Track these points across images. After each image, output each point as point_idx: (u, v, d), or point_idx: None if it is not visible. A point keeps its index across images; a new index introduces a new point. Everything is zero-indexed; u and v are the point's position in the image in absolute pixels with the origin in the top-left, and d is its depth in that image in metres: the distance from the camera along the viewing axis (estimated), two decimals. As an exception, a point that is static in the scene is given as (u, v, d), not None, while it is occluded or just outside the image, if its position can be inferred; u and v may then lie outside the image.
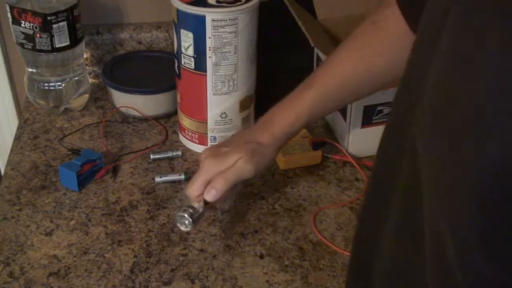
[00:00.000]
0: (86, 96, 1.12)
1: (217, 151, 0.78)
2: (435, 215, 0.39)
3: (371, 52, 0.76)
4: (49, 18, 0.99)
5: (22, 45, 1.02)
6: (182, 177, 0.94)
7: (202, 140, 1.00)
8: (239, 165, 0.75)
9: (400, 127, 0.47)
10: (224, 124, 0.98)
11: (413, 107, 0.43)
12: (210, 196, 0.74)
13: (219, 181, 0.74)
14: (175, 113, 1.08)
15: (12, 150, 1.01)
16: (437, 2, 0.42)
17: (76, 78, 1.09)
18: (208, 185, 0.75)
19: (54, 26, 1.00)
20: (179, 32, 0.92)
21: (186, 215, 0.74)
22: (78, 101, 1.10)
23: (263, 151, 0.78)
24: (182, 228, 0.75)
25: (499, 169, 0.32)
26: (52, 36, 1.01)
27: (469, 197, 0.34)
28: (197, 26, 0.89)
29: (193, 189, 0.76)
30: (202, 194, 0.75)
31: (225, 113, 0.97)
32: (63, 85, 1.07)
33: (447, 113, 0.37)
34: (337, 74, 0.78)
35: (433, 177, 0.39)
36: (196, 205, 0.75)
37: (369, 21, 0.76)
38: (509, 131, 0.32)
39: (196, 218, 0.75)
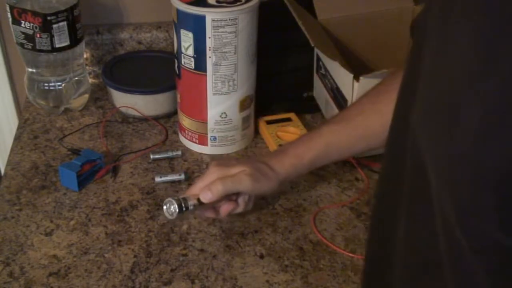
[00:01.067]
0: (86, 96, 1.12)
1: (225, 161, 0.81)
2: (441, 194, 0.40)
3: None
4: (49, 18, 0.99)
5: (22, 45, 1.02)
6: (182, 177, 0.94)
7: (202, 140, 1.00)
8: (240, 176, 0.77)
9: (402, 119, 0.48)
10: (224, 124, 0.98)
11: (412, 100, 0.44)
12: (204, 196, 0.76)
13: (216, 185, 0.76)
14: (175, 113, 1.08)
15: (12, 150, 1.01)
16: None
17: (76, 78, 1.09)
18: (206, 187, 0.77)
19: (54, 26, 1.00)
20: (179, 32, 0.92)
21: (174, 202, 0.75)
22: (78, 101, 1.10)
23: (268, 173, 0.80)
24: (166, 214, 0.76)
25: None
26: (52, 36, 1.01)
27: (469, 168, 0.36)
28: (197, 26, 0.89)
29: (191, 188, 0.79)
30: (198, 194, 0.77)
31: (225, 113, 0.97)
32: (63, 85, 1.07)
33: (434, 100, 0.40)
34: (358, 124, 0.81)
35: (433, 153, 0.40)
36: (190, 201, 0.76)
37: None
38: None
39: (182, 210, 0.75)
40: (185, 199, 0.76)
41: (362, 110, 0.82)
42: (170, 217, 0.76)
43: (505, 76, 0.33)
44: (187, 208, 0.76)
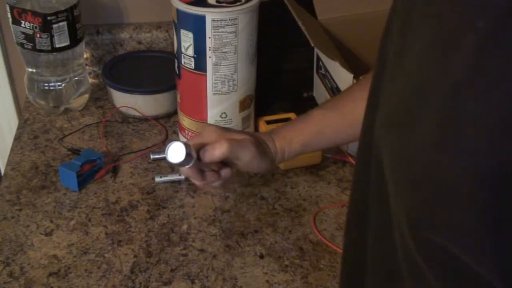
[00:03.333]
0: (86, 96, 1.12)
1: (222, 127, 0.76)
2: (395, 195, 0.41)
3: None
4: (49, 18, 0.99)
5: (22, 45, 1.02)
6: (182, 177, 0.94)
7: (202, 140, 1.00)
8: (246, 142, 0.73)
9: (368, 128, 0.48)
10: (224, 124, 0.98)
11: (376, 108, 0.45)
12: (208, 154, 0.71)
13: (222, 145, 0.71)
14: (175, 113, 1.08)
15: (12, 150, 1.01)
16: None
17: (76, 78, 1.09)
18: (210, 145, 0.72)
19: (54, 26, 1.00)
20: (179, 32, 0.92)
21: (184, 148, 0.68)
22: (78, 101, 1.10)
23: (265, 147, 0.77)
24: (170, 158, 0.69)
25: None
26: (52, 36, 1.01)
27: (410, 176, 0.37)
28: (197, 26, 0.89)
29: (189, 142, 0.73)
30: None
31: (225, 113, 0.97)
32: (63, 85, 1.07)
33: (394, 109, 0.40)
34: (349, 111, 0.79)
35: (389, 166, 0.41)
36: (193, 152, 0.70)
37: None
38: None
39: (189, 158, 0.69)
40: (191, 150, 0.70)
41: (353, 98, 0.80)
42: (174, 162, 0.69)
43: (454, 82, 0.33)
44: (192, 156, 0.70)
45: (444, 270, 0.37)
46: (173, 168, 0.98)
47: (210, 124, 0.76)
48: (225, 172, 0.75)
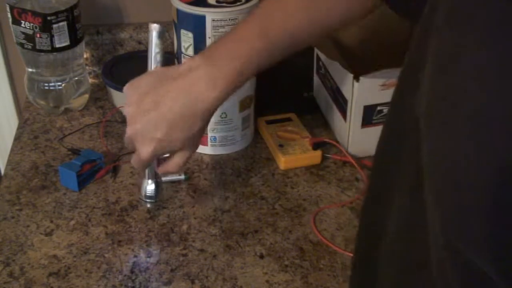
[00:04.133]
0: (86, 96, 1.12)
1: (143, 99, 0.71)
2: (431, 204, 0.39)
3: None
4: (49, 18, 0.99)
5: (22, 45, 1.02)
6: (182, 177, 0.94)
7: (202, 140, 1.00)
8: (171, 141, 0.71)
9: (403, 109, 0.47)
10: (224, 124, 0.98)
11: (415, 90, 0.43)
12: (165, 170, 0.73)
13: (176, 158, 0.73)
14: (175, 113, 1.08)
15: (12, 150, 1.01)
16: None
17: (76, 78, 1.09)
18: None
19: (54, 26, 1.00)
20: (179, 32, 0.92)
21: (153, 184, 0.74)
22: (78, 101, 1.10)
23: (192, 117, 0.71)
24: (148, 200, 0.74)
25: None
26: (52, 36, 1.01)
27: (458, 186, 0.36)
28: (197, 26, 0.89)
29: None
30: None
31: (225, 113, 0.97)
32: (63, 85, 1.07)
33: (443, 111, 0.38)
34: (288, 27, 0.69)
35: (433, 172, 0.40)
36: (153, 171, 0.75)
37: None
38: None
39: (157, 188, 0.75)
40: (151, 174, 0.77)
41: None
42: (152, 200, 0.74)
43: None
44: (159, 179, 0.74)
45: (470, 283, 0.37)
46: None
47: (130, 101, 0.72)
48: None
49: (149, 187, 0.83)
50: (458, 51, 0.36)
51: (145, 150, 0.71)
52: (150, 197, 0.84)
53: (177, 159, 0.74)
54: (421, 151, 0.41)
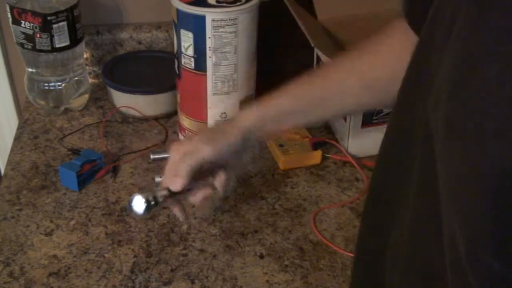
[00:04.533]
0: (86, 96, 1.12)
1: (182, 141, 0.75)
2: (450, 213, 0.39)
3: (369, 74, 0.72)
4: (49, 18, 0.99)
5: (22, 45, 1.02)
6: (182, 177, 0.94)
7: (202, 140, 1.00)
8: (196, 145, 0.71)
9: (411, 110, 0.47)
10: (224, 124, 0.98)
11: (425, 98, 0.43)
12: (173, 184, 0.69)
13: (180, 167, 0.69)
14: (175, 113, 1.08)
15: (12, 150, 1.01)
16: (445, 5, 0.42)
17: (76, 78, 1.09)
18: (171, 174, 0.71)
19: (54, 26, 1.00)
20: (179, 32, 0.92)
21: (142, 198, 0.68)
22: (78, 101, 1.10)
23: (225, 128, 0.73)
24: (134, 210, 0.68)
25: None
26: (52, 36, 1.01)
27: (481, 193, 0.35)
28: (197, 26, 0.89)
29: (163, 181, 0.73)
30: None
31: (225, 113, 0.97)
32: (63, 85, 1.07)
33: (458, 117, 0.38)
34: (335, 79, 0.74)
35: (447, 171, 0.39)
36: (159, 193, 0.70)
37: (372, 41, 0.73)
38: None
39: (150, 205, 0.68)
40: (152, 192, 0.70)
41: (341, 67, 0.75)
42: (139, 214, 0.69)
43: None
44: (156, 202, 0.69)
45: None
46: (173, 168, 0.97)
47: (172, 150, 0.74)
48: (217, 180, 0.74)
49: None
50: (479, 62, 0.36)
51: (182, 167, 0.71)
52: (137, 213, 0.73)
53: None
54: (434, 154, 0.40)
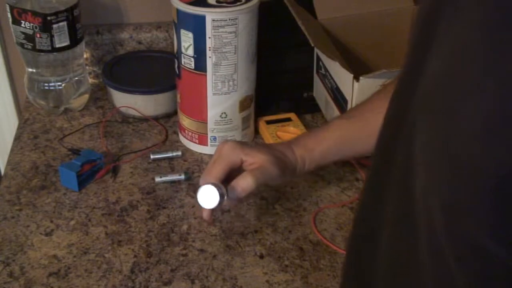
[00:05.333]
0: (86, 96, 1.12)
1: (240, 144, 0.75)
2: (427, 189, 0.39)
3: None
4: (49, 18, 0.99)
5: (22, 45, 1.02)
6: (182, 177, 0.94)
7: (202, 140, 1.00)
8: (267, 166, 0.72)
9: (400, 111, 0.47)
10: (224, 124, 0.98)
11: (413, 92, 0.43)
12: (239, 193, 0.71)
13: (248, 181, 0.71)
14: (175, 113, 1.08)
15: (12, 150, 1.01)
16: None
17: (76, 78, 1.09)
18: (234, 182, 0.71)
19: (54, 26, 1.00)
20: (179, 32, 0.92)
21: (217, 192, 0.68)
22: (78, 101, 1.10)
23: (287, 162, 0.76)
24: (203, 203, 0.69)
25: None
26: (52, 36, 1.01)
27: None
28: (197, 26, 0.89)
29: (210, 170, 0.73)
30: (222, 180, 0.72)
31: (225, 113, 0.97)
32: (63, 85, 1.07)
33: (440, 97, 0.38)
34: (369, 120, 0.77)
35: (425, 155, 0.40)
36: (223, 190, 0.70)
37: None
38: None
39: (222, 199, 0.69)
40: (219, 186, 0.70)
41: (373, 107, 0.79)
42: (210, 207, 0.70)
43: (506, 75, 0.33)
44: (223, 198, 0.70)
45: (477, 266, 0.36)
46: (173, 168, 0.98)
47: (226, 142, 0.75)
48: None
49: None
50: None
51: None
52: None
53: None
54: (414, 146, 0.41)
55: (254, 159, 0.74)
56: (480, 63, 0.35)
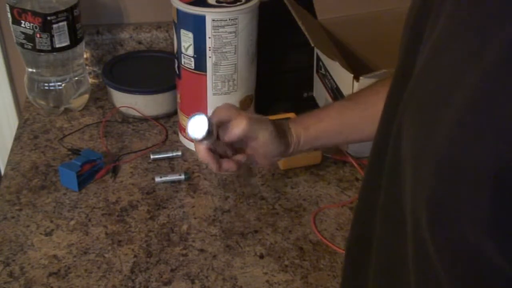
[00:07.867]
0: (86, 96, 1.12)
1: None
2: (416, 194, 0.39)
3: None
4: (49, 18, 0.99)
5: (22, 45, 1.02)
6: (182, 177, 0.94)
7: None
8: (265, 121, 0.71)
9: (390, 113, 0.48)
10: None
11: (402, 92, 0.44)
12: (229, 133, 0.69)
13: (242, 121, 0.69)
14: (175, 113, 1.08)
15: (12, 150, 1.01)
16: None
17: (76, 78, 1.09)
18: (229, 123, 0.70)
19: (54, 26, 1.00)
20: (179, 32, 0.92)
21: (207, 121, 0.65)
22: (78, 101, 1.10)
23: (282, 128, 0.75)
24: (192, 133, 0.66)
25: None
26: (52, 36, 1.01)
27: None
28: (197, 26, 0.89)
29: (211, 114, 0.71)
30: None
31: (225, 113, 0.97)
32: (63, 85, 1.07)
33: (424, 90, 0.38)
34: (372, 103, 0.76)
35: (410, 152, 0.40)
36: (215, 128, 0.68)
37: None
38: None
39: (210, 135, 0.66)
40: (213, 125, 0.67)
41: (376, 91, 0.77)
42: (197, 138, 0.66)
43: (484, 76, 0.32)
44: (212, 134, 0.67)
45: (460, 263, 0.36)
46: (173, 168, 0.98)
47: (225, 103, 0.74)
48: (239, 157, 0.73)
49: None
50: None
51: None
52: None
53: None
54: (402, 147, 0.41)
55: (252, 115, 0.73)
56: (458, 56, 0.35)
